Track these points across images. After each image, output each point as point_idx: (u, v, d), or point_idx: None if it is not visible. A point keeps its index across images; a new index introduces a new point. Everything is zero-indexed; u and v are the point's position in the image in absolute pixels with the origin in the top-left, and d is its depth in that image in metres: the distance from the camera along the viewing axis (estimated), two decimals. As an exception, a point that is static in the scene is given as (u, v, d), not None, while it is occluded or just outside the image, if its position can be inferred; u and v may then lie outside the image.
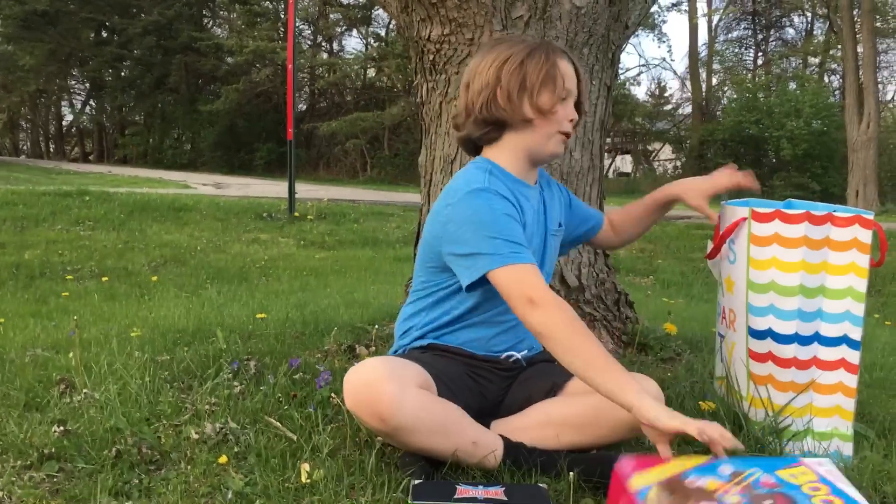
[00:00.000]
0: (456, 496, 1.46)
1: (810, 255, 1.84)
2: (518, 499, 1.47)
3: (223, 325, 3.03)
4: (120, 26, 31.06)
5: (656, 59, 54.20)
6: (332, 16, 28.81)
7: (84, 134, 40.67)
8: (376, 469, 1.62)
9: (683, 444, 1.72)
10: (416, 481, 1.51)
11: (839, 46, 22.52)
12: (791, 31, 29.90)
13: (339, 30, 29.82)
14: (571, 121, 1.83)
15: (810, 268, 1.84)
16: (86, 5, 29.85)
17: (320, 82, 27.96)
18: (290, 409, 1.96)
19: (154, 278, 5.40)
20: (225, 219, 8.86)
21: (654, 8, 24.10)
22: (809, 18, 28.76)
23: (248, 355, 2.47)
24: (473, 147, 1.90)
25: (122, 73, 33.54)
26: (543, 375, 1.84)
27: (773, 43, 29.90)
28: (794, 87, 23.24)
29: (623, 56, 3.33)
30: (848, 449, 1.87)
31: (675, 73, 43.17)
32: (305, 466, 1.60)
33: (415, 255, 2.47)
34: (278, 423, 1.87)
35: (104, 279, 5.26)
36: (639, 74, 50.29)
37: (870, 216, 1.85)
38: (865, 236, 1.85)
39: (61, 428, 1.79)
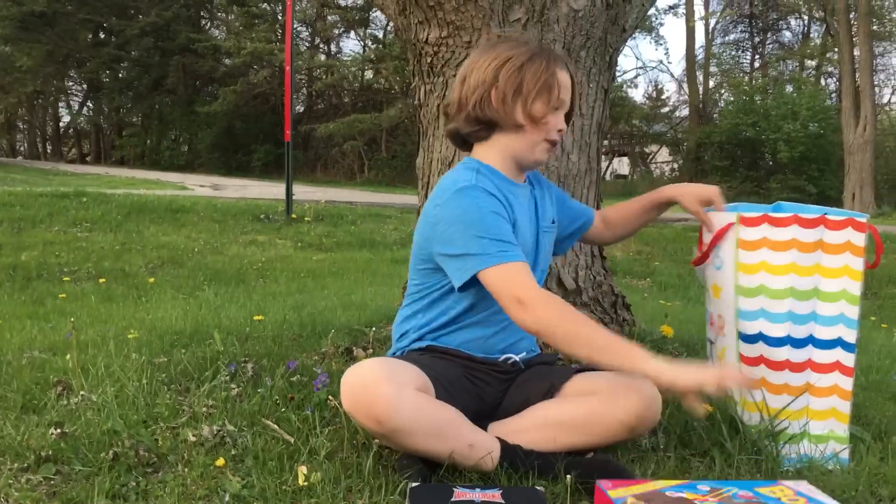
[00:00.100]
0: (453, 499, 1.46)
1: (801, 257, 1.84)
2: (515, 502, 1.47)
3: (220, 327, 3.03)
4: (117, 27, 31.02)
5: (653, 62, 54.26)
6: (329, 18, 28.81)
7: (81, 135, 40.62)
8: (374, 472, 1.62)
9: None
10: (414, 484, 1.51)
11: (836, 49, 22.56)
12: (788, 34, 29.98)
13: (336, 31, 29.80)
14: (560, 130, 1.84)
15: (801, 270, 1.84)
16: (83, 6, 29.81)
17: (318, 84, 27.96)
18: (288, 412, 1.96)
19: (151, 280, 5.40)
20: (222, 220, 8.85)
21: (651, 10, 24.13)
22: (806, 21, 28.86)
23: (245, 357, 2.47)
24: (462, 141, 1.91)
25: (120, 75, 33.50)
26: (541, 377, 1.84)
27: (770, 46, 29.97)
28: (791, 89, 23.28)
29: (620, 58, 3.35)
30: (844, 452, 1.87)
31: (672, 75, 43.16)
32: (303, 469, 1.60)
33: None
34: (276, 426, 1.87)
35: (101, 281, 5.25)
36: (636, 77, 50.36)
37: (863, 219, 1.86)
38: (859, 239, 1.85)
39: (58, 430, 1.79)
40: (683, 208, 2.05)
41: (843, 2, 18.37)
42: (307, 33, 29.37)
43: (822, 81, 27.25)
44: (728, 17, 28.93)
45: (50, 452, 1.69)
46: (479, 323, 1.82)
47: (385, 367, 1.60)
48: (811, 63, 27.76)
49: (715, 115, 26.62)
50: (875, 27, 20.77)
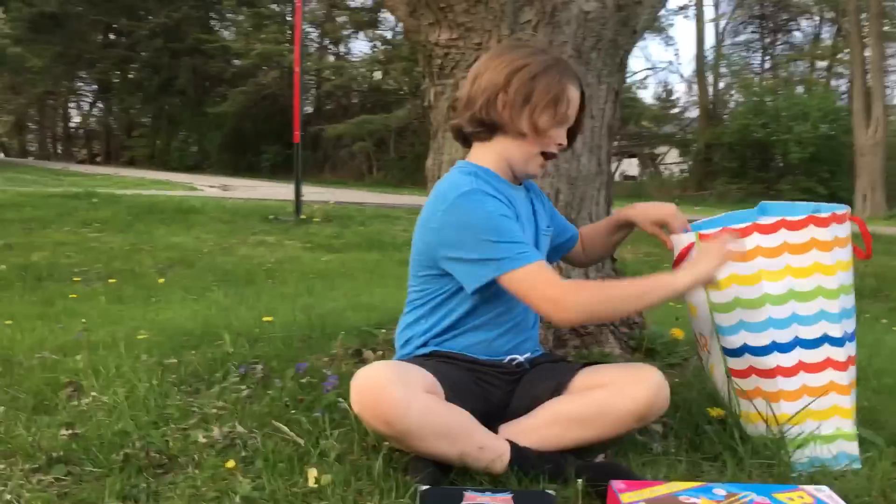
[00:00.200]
0: (464, 502, 1.46)
1: (769, 263, 1.82)
2: (526, 505, 1.47)
3: (230, 328, 3.03)
4: (128, 28, 31.18)
5: (663, 63, 54.16)
6: (338, 19, 28.86)
7: (91, 136, 40.82)
8: (384, 474, 1.62)
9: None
10: (424, 487, 1.51)
11: (847, 50, 22.47)
12: (799, 34, 29.86)
13: (345, 32, 29.85)
14: (559, 145, 1.85)
15: (772, 275, 1.82)
16: (94, 7, 29.95)
17: (327, 85, 28.01)
18: (298, 414, 1.96)
19: (161, 280, 5.41)
20: (231, 221, 8.87)
21: (661, 11, 24.08)
22: (817, 22, 28.73)
23: (255, 359, 2.47)
24: (463, 138, 1.91)
25: (130, 75, 33.66)
26: (548, 376, 1.84)
27: (781, 47, 29.85)
28: (802, 91, 23.19)
29: (630, 59, 3.33)
30: (853, 448, 1.86)
31: (681, 76, 43.18)
32: (313, 471, 1.60)
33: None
34: (286, 428, 1.87)
35: (111, 281, 5.26)
36: (645, 78, 50.27)
37: (826, 214, 1.85)
38: (824, 234, 1.84)
39: (69, 431, 1.80)
40: (642, 229, 2.04)
41: (855, 2, 18.30)
42: (316, 34, 29.42)
43: (833, 82, 27.14)
44: (738, 18, 28.84)
45: (61, 453, 1.70)
46: (483, 326, 1.82)
47: (394, 370, 1.60)
48: (822, 64, 27.66)
49: (725, 116, 26.51)
50: (886, 28, 20.64)
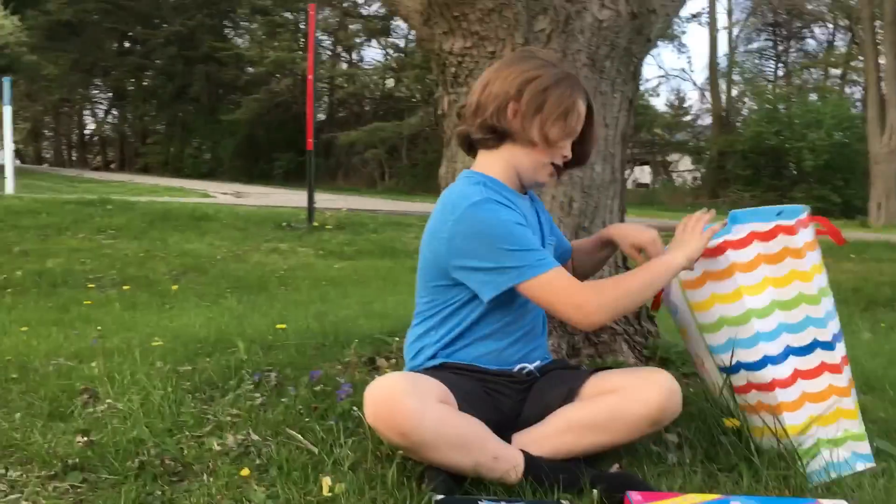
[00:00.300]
0: (478, 512, 1.45)
1: (747, 277, 1.82)
2: (540, 516, 1.46)
3: (243, 335, 3.04)
4: (143, 36, 31.45)
5: (676, 70, 54.03)
6: (351, 26, 28.97)
7: (106, 142, 41.15)
8: (398, 483, 1.62)
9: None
10: (438, 497, 1.51)
11: (861, 58, 22.36)
12: (812, 42, 29.77)
13: (358, 40, 29.98)
14: (564, 157, 1.86)
15: (753, 289, 1.82)
16: (109, 16, 30.24)
17: (339, 92, 28.13)
18: (312, 422, 1.96)
19: (175, 287, 5.43)
20: (245, 228, 8.90)
21: (674, 18, 24.05)
22: (831, 30, 28.63)
23: (268, 366, 2.48)
24: (469, 145, 1.91)
25: (144, 83, 33.94)
26: (558, 383, 1.84)
27: (795, 54, 29.75)
28: (815, 98, 23.09)
29: (642, 67, 3.33)
30: (865, 447, 1.85)
31: (694, 83, 43.02)
32: (327, 480, 1.60)
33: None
34: (300, 436, 1.87)
35: (125, 288, 5.29)
36: (658, 85, 50.07)
37: (791, 221, 1.84)
38: (794, 241, 1.84)
39: (85, 438, 1.81)
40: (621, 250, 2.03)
41: (869, 10, 18.22)
42: (329, 42, 29.56)
43: (847, 90, 27.01)
44: (752, 25, 28.77)
45: (77, 460, 1.71)
46: (493, 335, 1.81)
47: (408, 381, 1.61)
48: (836, 72, 27.53)
49: (738, 124, 26.44)
50: (901, 35, 20.53)
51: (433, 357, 1.84)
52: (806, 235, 1.87)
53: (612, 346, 2.58)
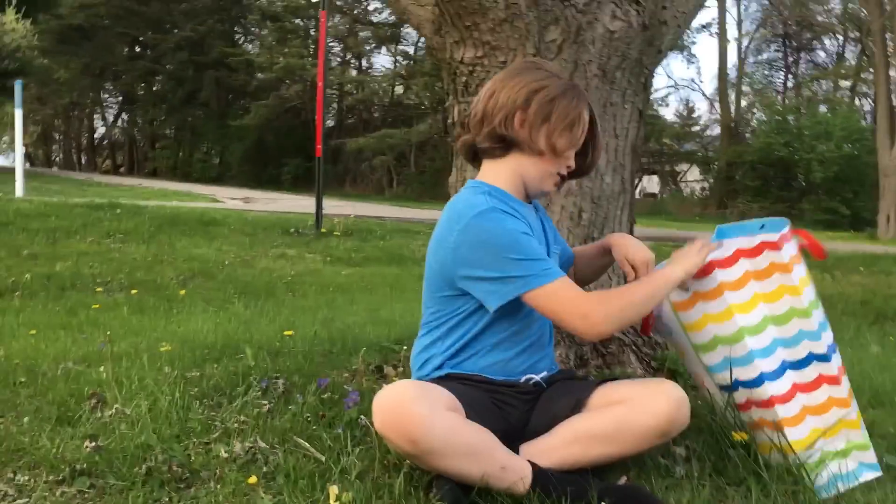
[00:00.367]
0: (485, 523, 1.45)
1: (737, 295, 1.82)
2: (548, 528, 1.46)
3: (251, 341, 3.04)
4: (153, 41, 31.63)
5: (685, 80, 54.01)
6: (361, 34, 29.08)
7: (115, 146, 41.31)
8: (405, 493, 1.62)
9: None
10: (446, 507, 1.50)
11: (871, 70, 22.30)
12: (822, 53, 29.72)
13: (368, 47, 30.08)
14: (569, 167, 1.87)
15: (742, 307, 1.82)
16: (120, 20, 30.42)
17: (349, 99, 28.20)
18: (319, 430, 1.96)
19: (182, 292, 5.44)
20: (252, 233, 8.91)
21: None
22: (841, 41, 28.57)
23: (276, 373, 2.47)
24: (473, 155, 1.91)
25: (154, 88, 34.11)
26: (566, 393, 1.83)
27: (804, 65, 29.71)
28: (825, 110, 23.04)
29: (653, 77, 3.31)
30: (870, 457, 1.85)
31: (703, 94, 42.95)
32: (334, 489, 1.60)
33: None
34: (307, 444, 1.87)
35: (133, 292, 5.31)
36: (667, 95, 50.09)
37: (775, 236, 1.83)
38: (780, 256, 1.83)
39: (93, 443, 1.81)
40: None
41: (880, 22, 18.18)
42: (339, 49, 29.68)
43: (857, 102, 26.95)
44: (762, 36, 28.74)
45: (84, 465, 1.71)
46: (499, 346, 1.81)
47: (417, 388, 1.61)
48: (846, 83, 27.47)
49: (747, 135, 26.40)
50: (911, 48, 20.50)
51: (440, 367, 1.83)
52: (790, 249, 1.87)
53: (620, 357, 2.57)
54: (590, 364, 2.53)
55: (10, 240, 6.93)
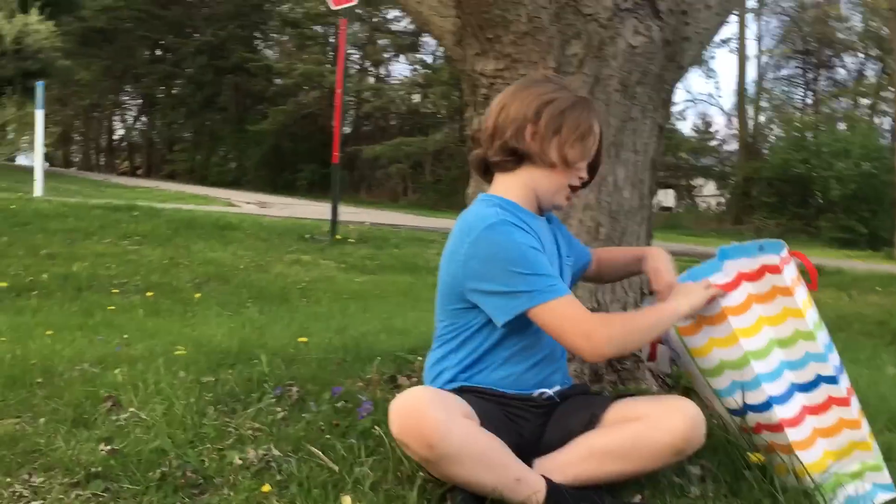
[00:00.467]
0: (499, 538, 1.44)
1: (741, 320, 1.81)
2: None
3: (265, 347, 3.05)
4: (174, 45, 31.88)
5: (703, 95, 53.83)
6: (380, 42, 29.21)
7: (134, 148, 41.60)
8: (418, 505, 1.61)
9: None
10: (460, 520, 1.50)
11: (891, 88, 22.17)
12: (842, 71, 29.55)
13: (386, 55, 30.20)
14: (581, 178, 1.88)
15: (746, 332, 1.81)
16: (142, 24, 30.68)
17: (366, 106, 28.30)
18: (333, 439, 1.96)
19: (197, 295, 5.47)
20: (268, 239, 8.94)
21: (703, 43, 24.00)
22: (862, 59, 28.41)
23: (290, 380, 2.48)
24: (484, 169, 1.91)
25: (174, 91, 34.34)
26: (581, 408, 1.83)
27: (824, 82, 29.56)
28: (844, 127, 22.92)
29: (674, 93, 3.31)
30: (885, 478, 1.83)
31: (721, 109, 42.72)
32: (347, 499, 1.60)
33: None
34: (321, 453, 1.87)
35: (149, 294, 5.34)
36: (685, 109, 49.84)
37: (776, 260, 1.81)
38: (781, 279, 1.82)
39: (108, 446, 1.82)
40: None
41: (901, 40, 18.07)
42: (357, 56, 29.80)
43: (876, 120, 26.79)
44: (781, 53, 28.64)
45: (99, 469, 1.71)
46: (511, 359, 1.80)
47: (434, 394, 1.62)
48: (865, 101, 27.31)
49: (764, 151, 26.29)
50: (932, 67, 20.38)
51: (452, 381, 1.83)
52: (791, 272, 1.86)
53: (634, 374, 2.56)
54: (604, 379, 2.52)
55: (29, 239, 6.98)
